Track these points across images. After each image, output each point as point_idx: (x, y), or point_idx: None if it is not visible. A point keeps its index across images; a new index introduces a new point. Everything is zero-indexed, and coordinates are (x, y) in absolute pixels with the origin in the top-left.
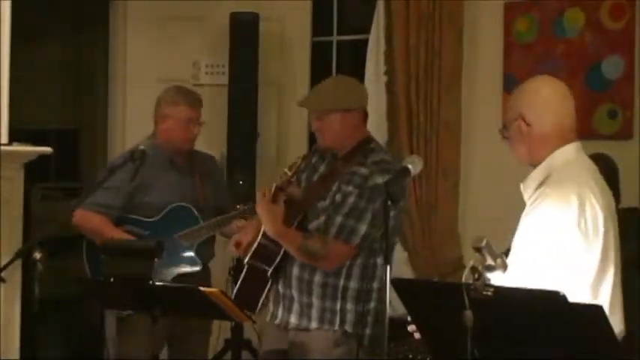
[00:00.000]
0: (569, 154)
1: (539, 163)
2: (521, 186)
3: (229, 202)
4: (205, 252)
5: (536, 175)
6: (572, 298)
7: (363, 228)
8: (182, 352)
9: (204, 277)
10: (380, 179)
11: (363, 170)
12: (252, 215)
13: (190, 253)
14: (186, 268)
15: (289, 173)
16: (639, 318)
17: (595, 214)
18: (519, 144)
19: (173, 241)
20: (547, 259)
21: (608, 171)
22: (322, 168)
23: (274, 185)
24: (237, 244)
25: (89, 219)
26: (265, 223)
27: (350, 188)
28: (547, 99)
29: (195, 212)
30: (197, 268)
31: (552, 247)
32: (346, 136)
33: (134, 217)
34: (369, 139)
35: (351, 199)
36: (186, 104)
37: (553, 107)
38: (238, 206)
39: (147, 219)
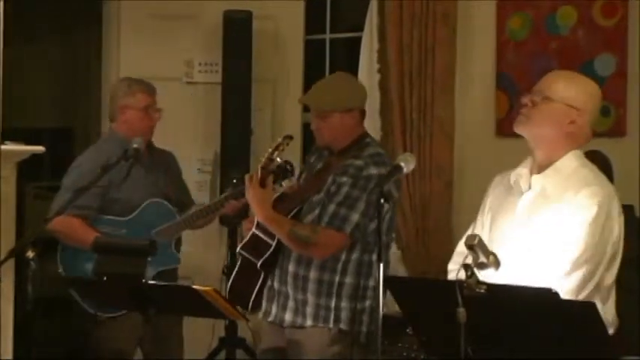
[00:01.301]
0: (580, 156)
1: (551, 157)
2: (537, 183)
3: (190, 200)
4: (179, 246)
5: (557, 172)
6: (608, 297)
7: (355, 216)
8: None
9: (174, 272)
10: (375, 170)
11: (358, 162)
12: (236, 200)
13: (170, 249)
14: (167, 266)
15: (270, 151)
16: (635, 316)
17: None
18: (550, 126)
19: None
20: (608, 263)
21: (603, 168)
22: (319, 165)
23: (259, 167)
24: (251, 221)
25: (66, 223)
26: (254, 208)
27: (344, 179)
28: (598, 104)
29: (171, 207)
30: (177, 265)
31: (612, 250)
32: (345, 135)
33: (109, 217)
34: (364, 135)
35: (344, 189)
36: (143, 92)
37: (596, 114)
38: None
39: (122, 218)
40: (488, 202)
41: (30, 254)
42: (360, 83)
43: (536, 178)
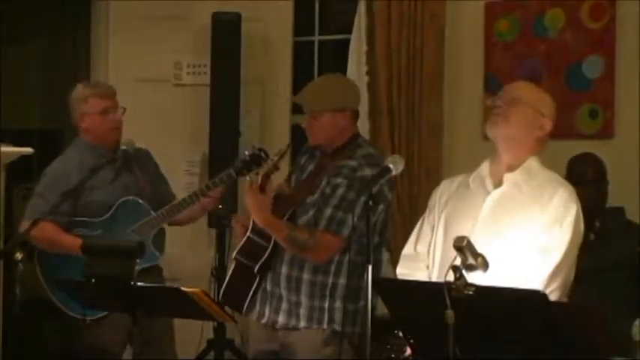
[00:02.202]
0: (538, 159)
1: (518, 160)
2: (510, 180)
3: (168, 192)
4: (160, 246)
5: (527, 171)
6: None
7: (352, 219)
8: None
9: (158, 273)
10: (369, 171)
11: (352, 163)
12: (208, 193)
13: (148, 247)
14: (147, 263)
15: (275, 159)
16: (627, 316)
17: None
18: (524, 129)
19: (128, 237)
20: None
21: (598, 170)
22: (311, 167)
23: (261, 173)
24: (242, 225)
25: (40, 229)
26: (253, 212)
27: (339, 180)
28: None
29: (144, 204)
30: (156, 261)
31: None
32: (337, 135)
33: (83, 219)
34: (357, 135)
35: (340, 191)
36: (97, 96)
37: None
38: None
39: (96, 219)
40: (439, 203)
41: (18, 256)
42: (353, 84)
43: (508, 176)
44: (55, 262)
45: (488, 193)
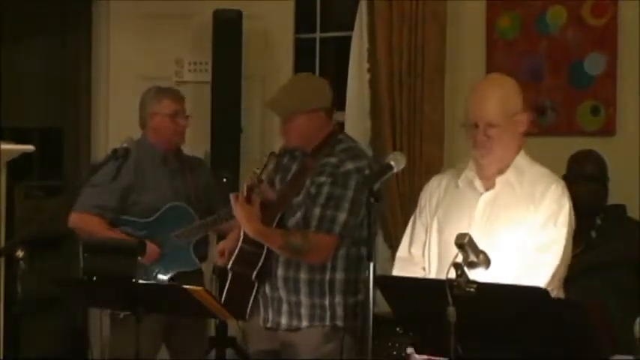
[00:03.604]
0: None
1: (506, 160)
2: (502, 181)
3: (218, 202)
4: (201, 252)
5: (518, 170)
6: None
7: (342, 216)
8: (179, 350)
9: (197, 278)
10: (351, 165)
11: (333, 159)
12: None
13: (188, 253)
14: (184, 268)
15: (258, 172)
16: (629, 314)
17: None
18: (508, 142)
19: (170, 240)
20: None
21: (598, 167)
22: (294, 167)
23: (245, 186)
24: (221, 253)
25: (86, 221)
26: (244, 225)
27: (323, 178)
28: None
29: (191, 211)
30: (194, 268)
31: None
32: (312, 135)
33: (129, 218)
34: (335, 132)
35: (325, 189)
36: (170, 99)
37: None
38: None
39: (142, 219)
40: (429, 204)
41: (19, 254)
42: (324, 82)
43: (499, 178)
44: None
45: (479, 194)
